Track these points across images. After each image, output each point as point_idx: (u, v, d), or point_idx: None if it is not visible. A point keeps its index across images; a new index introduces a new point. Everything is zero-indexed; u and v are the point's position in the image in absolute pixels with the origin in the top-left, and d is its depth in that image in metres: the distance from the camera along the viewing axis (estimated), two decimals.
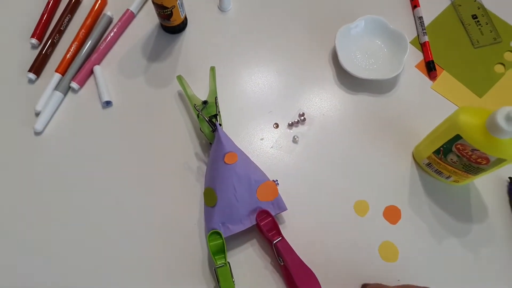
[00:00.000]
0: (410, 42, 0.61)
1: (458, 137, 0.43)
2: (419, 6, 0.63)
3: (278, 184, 0.52)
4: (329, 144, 0.56)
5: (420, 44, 0.62)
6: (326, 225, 0.51)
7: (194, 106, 0.52)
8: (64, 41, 0.62)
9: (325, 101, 0.58)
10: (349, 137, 0.56)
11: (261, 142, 0.56)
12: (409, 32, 0.62)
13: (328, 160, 0.55)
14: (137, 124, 0.57)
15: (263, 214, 0.48)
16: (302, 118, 0.56)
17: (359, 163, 0.54)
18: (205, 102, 0.54)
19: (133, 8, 0.62)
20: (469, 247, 0.50)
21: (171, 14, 0.56)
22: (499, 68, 0.60)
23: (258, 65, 0.60)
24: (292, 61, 0.61)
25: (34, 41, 0.60)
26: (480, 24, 0.63)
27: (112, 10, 0.63)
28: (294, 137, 0.56)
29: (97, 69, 0.59)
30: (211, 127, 0.51)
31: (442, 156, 0.48)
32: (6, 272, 0.50)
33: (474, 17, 0.63)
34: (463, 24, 0.63)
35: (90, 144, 0.56)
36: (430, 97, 0.58)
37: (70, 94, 0.59)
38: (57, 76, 0.59)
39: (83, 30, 0.61)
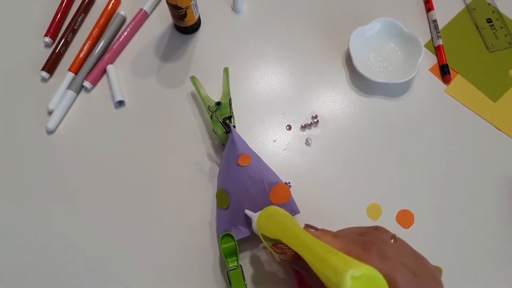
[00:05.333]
0: (424, 46, 0.61)
1: None
2: (433, 9, 0.63)
3: (290, 186, 0.52)
4: (342, 146, 0.55)
5: (434, 47, 0.61)
6: (338, 228, 0.51)
7: (208, 108, 0.51)
8: (78, 40, 0.62)
9: (338, 103, 0.58)
10: (362, 140, 0.56)
11: (273, 144, 0.55)
12: (423, 35, 0.62)
13: (341, 162, 0.54)
14: (150, 124, 0.56)
15: None
16: (315, 120, 0.56)
17: (372, 166, 0.54)
18: (218, 103, 0.53)
19: (146, 7, 0.62)
20: (483, 253, 0.50)
21: (185, 15, 0.56)
22: None
23: (271, 66, 0.60)
24: (305, 62, 0.60)
25: (47, 39, 0.61)
26: (494, 28, 0.62)
27: (126, 10, 0.63)
28: (307, 139, 0.55)
29: (110, 68, 0.59)
30: (225, 129, 0.51)
31: None
32: (19, 272, 0.50)
33: (489, 21, 0.63)
34: (477, 28, 0.62)
35: (102, 144, 0.56)
36: (443, 101, 0.58)
37: (82, 93, 0.59)
38: (70, 75, 0.59)
39: (96, 29, 0.61)
